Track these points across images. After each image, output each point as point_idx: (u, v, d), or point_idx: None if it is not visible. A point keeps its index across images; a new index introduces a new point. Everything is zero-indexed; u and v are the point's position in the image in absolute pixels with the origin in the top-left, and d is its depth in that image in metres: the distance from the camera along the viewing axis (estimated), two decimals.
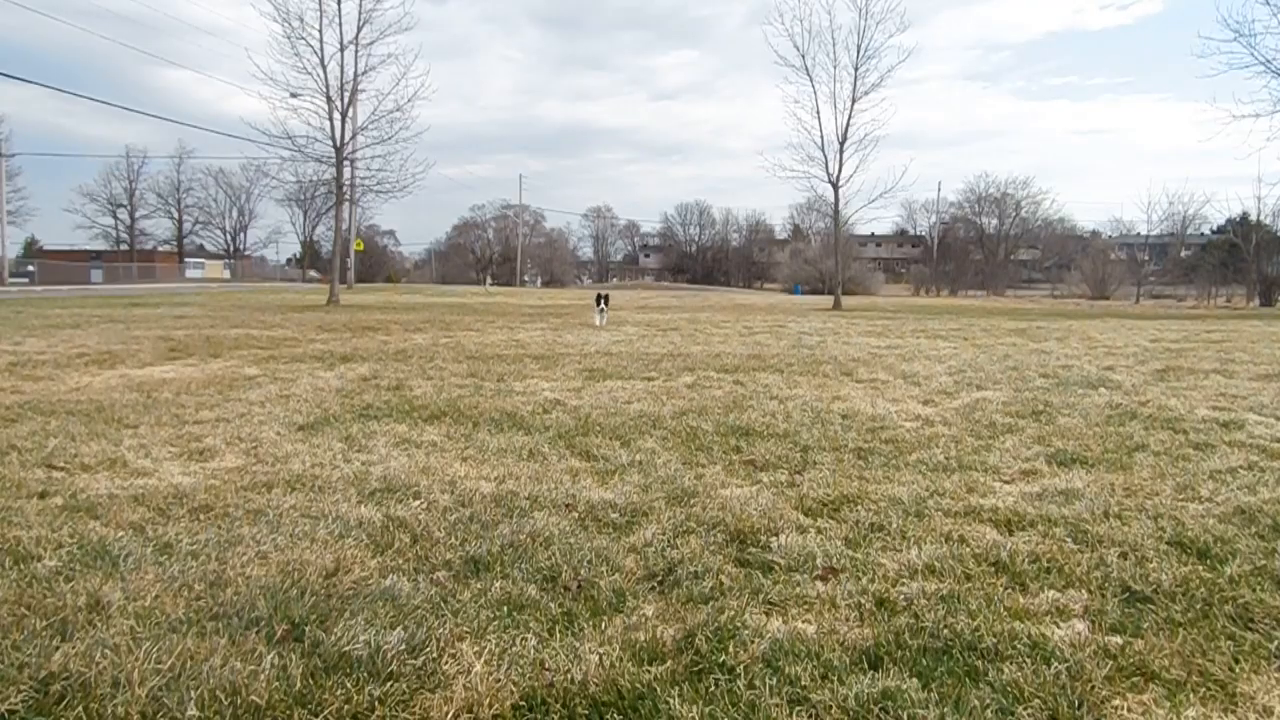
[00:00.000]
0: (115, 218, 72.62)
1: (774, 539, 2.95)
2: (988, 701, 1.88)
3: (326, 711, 1.83)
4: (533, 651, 2.10)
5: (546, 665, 2.04)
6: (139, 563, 2.65)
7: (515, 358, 8.89)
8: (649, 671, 2.01)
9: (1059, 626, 2.29)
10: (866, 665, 2.06)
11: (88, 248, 71.19)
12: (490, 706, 1.86)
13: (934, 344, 11.52)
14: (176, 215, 74.17)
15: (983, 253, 76.28)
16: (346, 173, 24.57)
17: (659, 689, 1.93)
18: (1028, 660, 2.07)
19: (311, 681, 1.94)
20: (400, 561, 2.73)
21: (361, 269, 51.28)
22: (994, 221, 79.28)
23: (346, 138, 23.33)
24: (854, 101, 28.18)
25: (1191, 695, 1.93)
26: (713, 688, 1.94)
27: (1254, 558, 2.78)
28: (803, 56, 28.80)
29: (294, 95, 22.62)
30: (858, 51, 28.39)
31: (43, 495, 3.40)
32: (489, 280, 66.41)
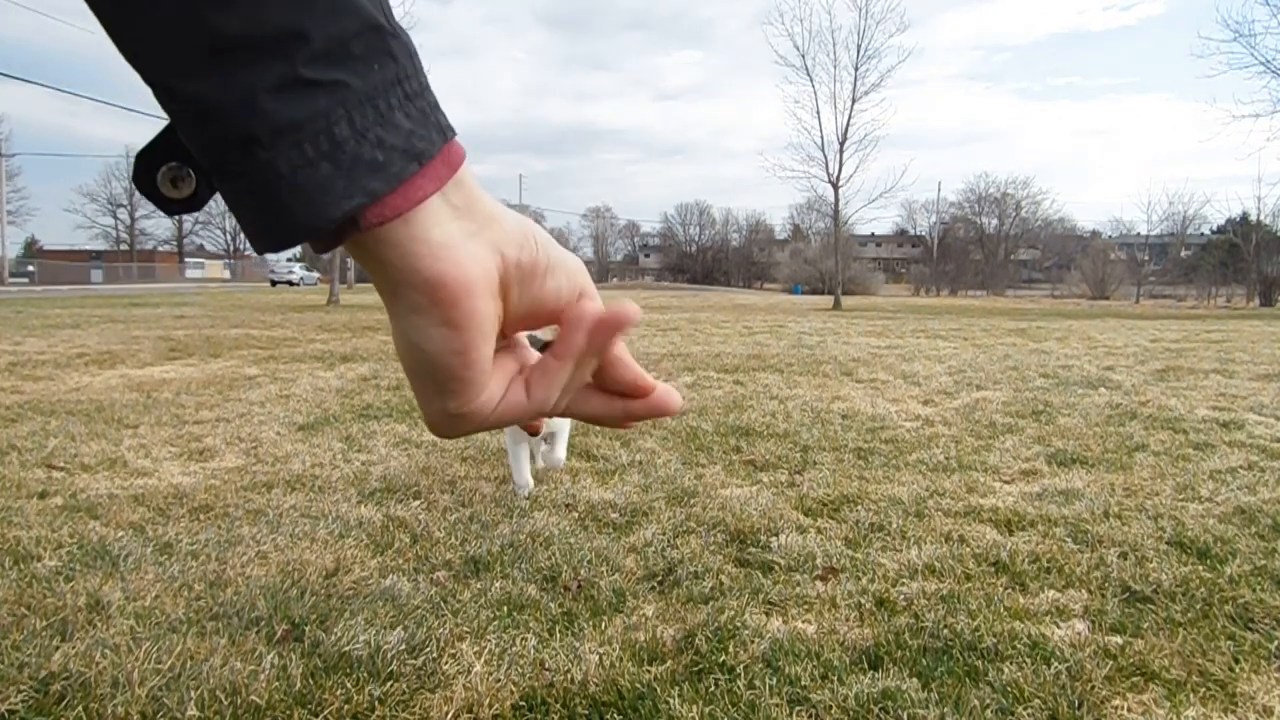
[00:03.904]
0: (115, 218, 72.71)
1: (774, 539, 2.95)
2: (988, 701, 1.88)
3: (326, 711, 1.83)
4: (533, 651, 2.10)
5: (546, 665, 2.04)
6: (139, 563, 2.65)
7: None
8: (649, 671, 2.01)
9: (1059, 626, 2.29)
10: (866, 665, 2.06)
11: (88, 248, 71.33)
12: (490, 706, 1.86)
13: (934, 344, 11.52)
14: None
15: (983, 253, 76.31)
16: None
17: (659, 689, 1.93)
18: (1028, 660, 2.07)
19: (311, 681, 1.94)
20: (400, 561, 2.73)
21: (361, 269, 51.47)
22: (994, 221, 79.33)
23: None
24: (854, 101, 28.23)
25: (1191, 695, 1.93)
26: (713, 688, 1.94)
27: (1254, 558, 2.78)
28: (803, 57, 28.99)
29: None
30: (858, 52, 28.45)
31: (43, 495, 3.40)
32: None
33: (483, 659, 2.06)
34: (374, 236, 0.47)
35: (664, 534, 3.02)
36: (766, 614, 2.37)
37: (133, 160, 0.47)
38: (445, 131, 0.48)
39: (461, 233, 0.48)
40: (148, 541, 2.85)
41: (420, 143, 0.46)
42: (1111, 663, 2.06)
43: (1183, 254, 62.90)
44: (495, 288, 0.49)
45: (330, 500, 3.39)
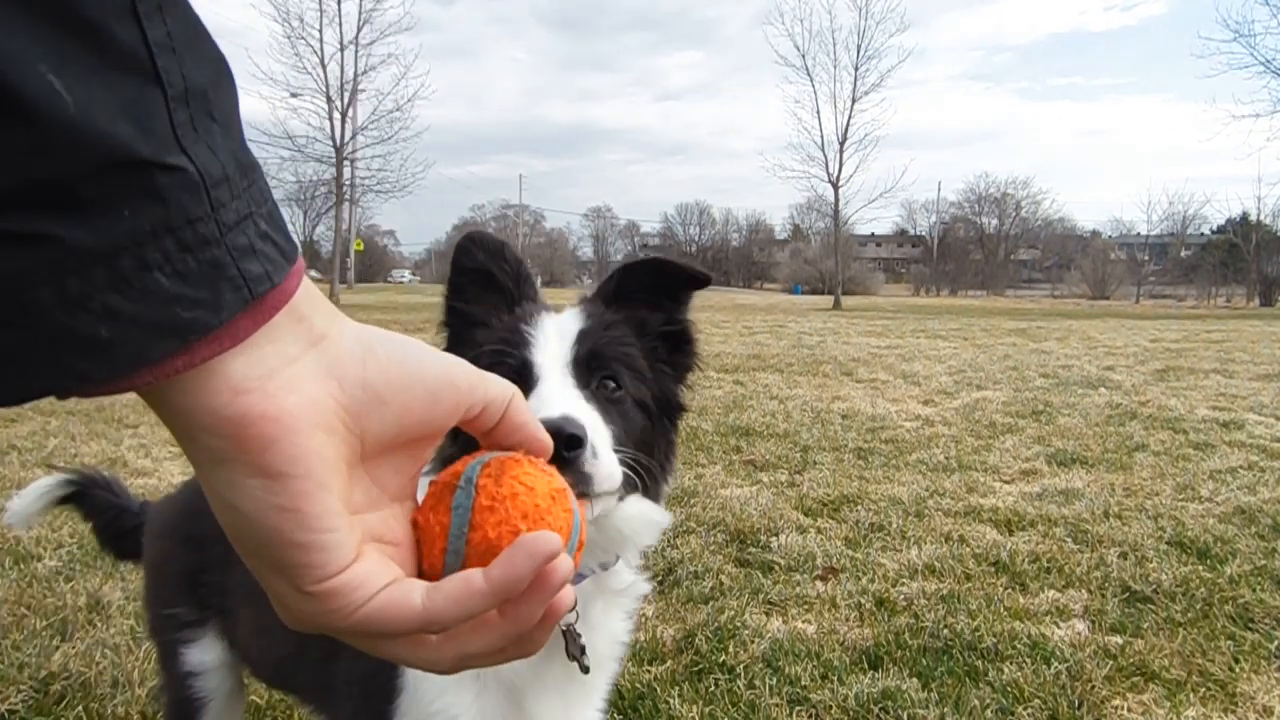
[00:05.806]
0: None
1: (774, 539, 2.95)
2: (988, 701, 1.88)
3: None
4: None
5: None
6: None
7: None
8: (649, 671, 2.01)
9: (1059, 626, 2.29)
10: (866, 665, 2.06)
11: None
12: None
13: (934, 344, 11.53)
14: None
15: (983, 253, 76.25)
16: (346, 173, 24.59)
17: (659, 689, 1.93)
18: (1028, 660, 2.07)
19: None
20: None
21: (361, 269, 51.39)
22: (994, 221, 79.27)
23: (346, 138, 23.35)
24: (854, 101, 28.27)
25: (1191, 695, 1.93)
26: (713, 688, 1.94)
27: (1254, 558, 2.78)
28: (803, 57, 28.94)
29: (294, 95, 22.66)
30: (858, 52, 28.51)
31: None
32: None
33: None
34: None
35: (664, 534, 3.01)
36: (766, 614, 2.37)
37: None
38: (253, 284, 0.34)
39: (276, 359, 0.36)
40: None
41: (189, 312, 0.33)
42: (1111, 663, 2.06)
43: (1183, 254, 62.88)
44: (330, 420, 0.37)
45: None
